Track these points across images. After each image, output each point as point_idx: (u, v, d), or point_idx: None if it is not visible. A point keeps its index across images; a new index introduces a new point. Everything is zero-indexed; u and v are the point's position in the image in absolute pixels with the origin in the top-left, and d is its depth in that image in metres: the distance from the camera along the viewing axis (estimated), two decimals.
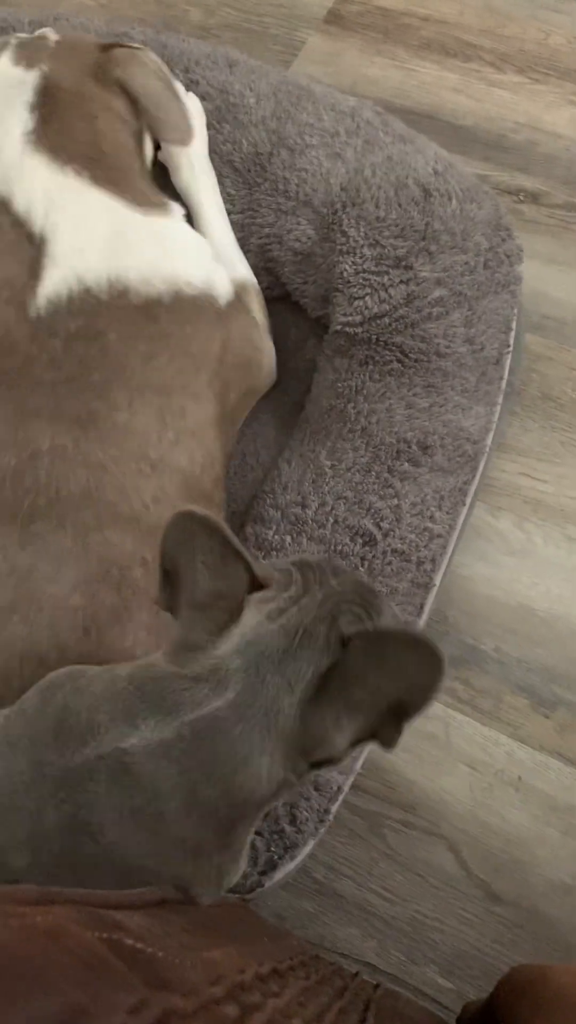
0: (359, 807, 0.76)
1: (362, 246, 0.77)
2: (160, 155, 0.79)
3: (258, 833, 0.63)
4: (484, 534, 0.86)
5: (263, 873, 0.63)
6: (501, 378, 0.79)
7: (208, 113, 0.82)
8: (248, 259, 0.82)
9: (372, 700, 0.42)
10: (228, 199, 0.82)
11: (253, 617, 0.44)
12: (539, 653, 0.80)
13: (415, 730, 0.78)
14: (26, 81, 0.67)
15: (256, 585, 0.45)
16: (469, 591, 0.83)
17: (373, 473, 0.74)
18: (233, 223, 0.82)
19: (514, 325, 0.80)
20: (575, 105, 1.10)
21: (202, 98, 0.82)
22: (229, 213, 0.82)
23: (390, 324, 0.78)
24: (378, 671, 0.41)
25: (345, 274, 0.78)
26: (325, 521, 0.73)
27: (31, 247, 0.64)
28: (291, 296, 0.87)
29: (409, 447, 0.75)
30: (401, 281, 0.77)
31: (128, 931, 0.29)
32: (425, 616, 0.72)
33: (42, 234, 0.64)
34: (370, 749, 0.69)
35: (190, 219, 0.78)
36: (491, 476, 0.88)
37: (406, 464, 0.74)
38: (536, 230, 1.01)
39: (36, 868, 0.43)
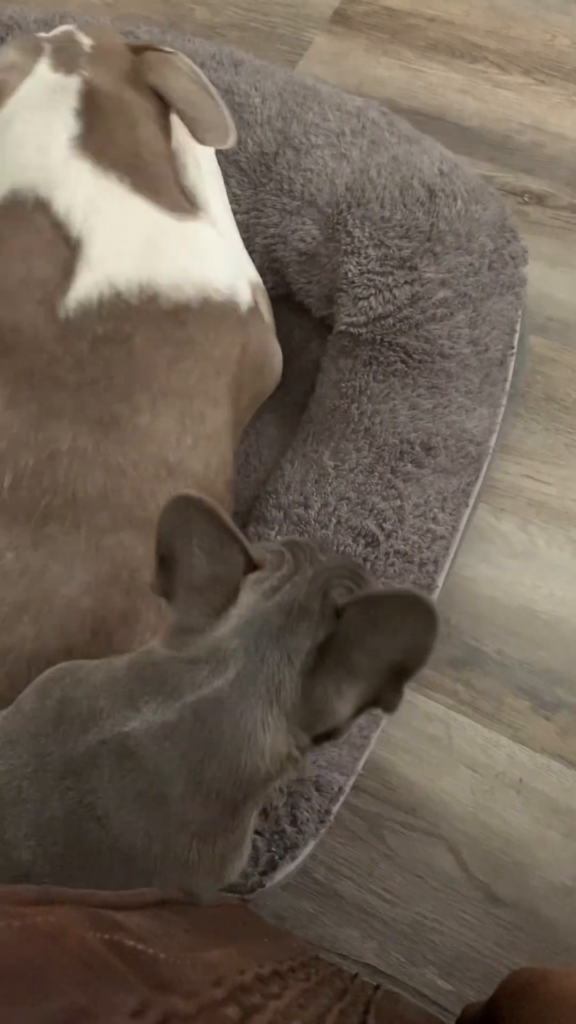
0: (360, 808, 0.76)
1: (367, 246, 0.77)
2: None
3: (259, 833, 0.63)
4: (487, 536, 0.86)
5: (263, 873, 0.63)
6: (505, 380, 0.79)
7: None
8: (253, 259, 0.82)
9: (371, 664, 0.42)
10: (233, 199, 0.82)
11: (249, 597, 0.44)
12: (541, 655, 0.80)
13: (416, 731, 0.78)
14: (69, 87, 0.67)
15: (251, 567, 0.46)
16: (471, 593, 0.83)
17: (376, 474, 0.74)
18: (238, 223, 0.82)
19: (518, 327, 0.80)
20: None
21: None
22: (234, 213, 0.82)
23: (394, 325, 0.78)
24: (374, 634, 0.42)
25: (350, 274, 0.78)
26: (328, 522, 0.72)
27: (67, 249, 0.64)
28: (294, 296, 0.87)
29: (412, 448, 0.75)
30: (406, 282, 0.77)
31: (129, 932, 0.29)
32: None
33: (79, 237, 0.64)
34: (371, 751, 0.69)
35: None
36: (494, 478, 0.88)
37: (409, 465, 0.74)
38: (541, 231, 1.01)
39: (43, 859, 0.43)
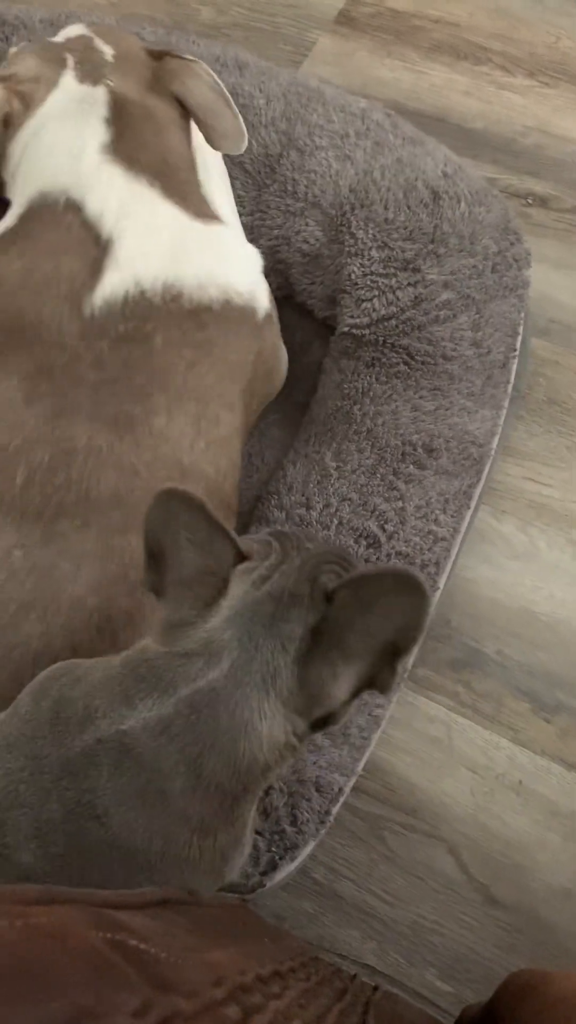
0: (360, 809, 0.76)
1: (370, 248, 0.78)
2: None
3: (259, 833, 0.64)
4: (488, 538, 0.86)
5: (264, 873, 0.63)
6: (507, 382, 0.79)
7: None
8: None
9: (365, 645, 0.43)
10: (238, 201, 0.82)
11: (240, 588, 0.45)
12: (541, 657, 0.80)
13: (417, 733, 0.78)
14: (97, 97, 0.69)
15: (240, 558, 0.46)
16: (472, 594, 0.83)
17: (378, 475, 0.74)
18: (243, 225, 0.82)
19: (521, 329, 0.80)
20: None
21: None
22: (239, 215, 0.82)
23: (397, 326, 0.78)
24: (366, 615, 0.42)
25: (353, 276, 0.78)
26: (329, 523, 0.73)
27: (97, 249, 0.65)
28: (297, 297, 0.87)
29: (414, 449, 0.75)
30: (409, 283, 0.77)
31: (131, 931, 0.29)
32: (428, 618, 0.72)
33: (110, 238, 0.65)
34: (371, 752, 0.69)
35: None
36: (496, 480, 0.88)
37: (411, 466, 0.74)
38: (544, 234, 1.01)
39: (44, 860, 0.43)
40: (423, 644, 0.74)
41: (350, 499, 0.73)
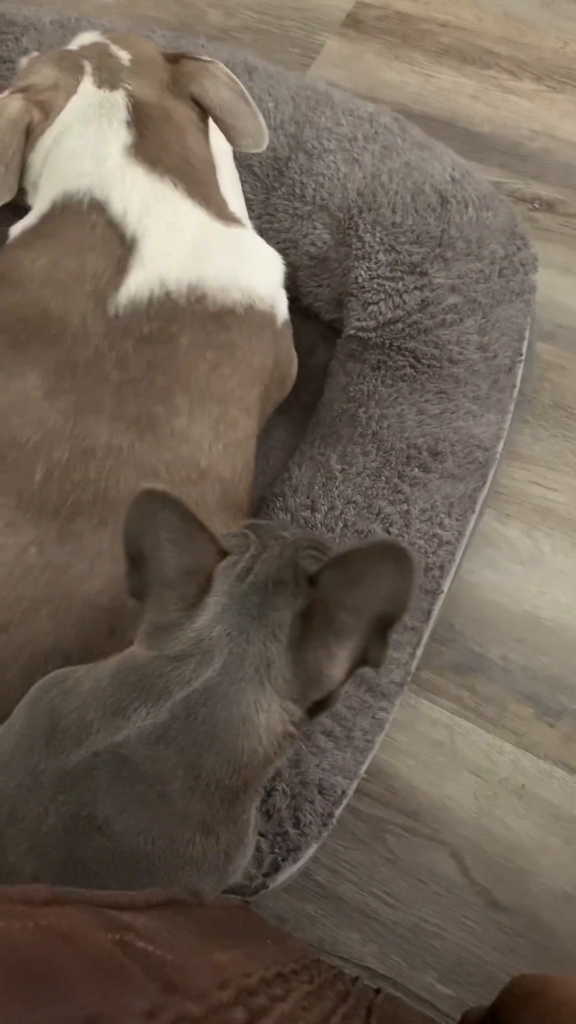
0: (362, 811, 0.76)
1: (377, 251, 0.78)
2: None
3: (262, 835, 0.64)
4: (493, 541, 0.86)
5: (267, 875, 0.63)
6: (513, 386, 0.79)
7: None
8: None
9: (356, 620, 0.43)
10: (247, 204, 0.82)
11: (224, 583, 0.45)
12: (545, 662, 0.80)
13: (420, 736, 0.78)
14: (116, 101, 0.69)
15: (222, 555, 0.46)
16: (477, 598, 0.83)
17: (383, 478, 0.74)
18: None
19: (527, 334, 0.80)
20: None
21: None
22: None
23: (404, 330, 0.78)
24: (354, 590, 0.42)
25: (360, 279, 0.79)
26: (334, 525, 0.73)
27: (122, 248, 0.66)
28: (303, 299, 0.87)
29: (420, 453, 0.75)
30: (416, 287, 0.77)
31: (138, 933, 0.29)
32: (432, 622, 0.72)
33: (134, 236, 0.66)
34: (374, 755, 0.69)
35: None
36: (501, 484, 0.88)
37: (416, 470, 0.74)
38: (550, 238, 1.01)
39: (46, 870, 0.43)
40: (427, 647, 0.74)
41: (355, 502, 0.73)
